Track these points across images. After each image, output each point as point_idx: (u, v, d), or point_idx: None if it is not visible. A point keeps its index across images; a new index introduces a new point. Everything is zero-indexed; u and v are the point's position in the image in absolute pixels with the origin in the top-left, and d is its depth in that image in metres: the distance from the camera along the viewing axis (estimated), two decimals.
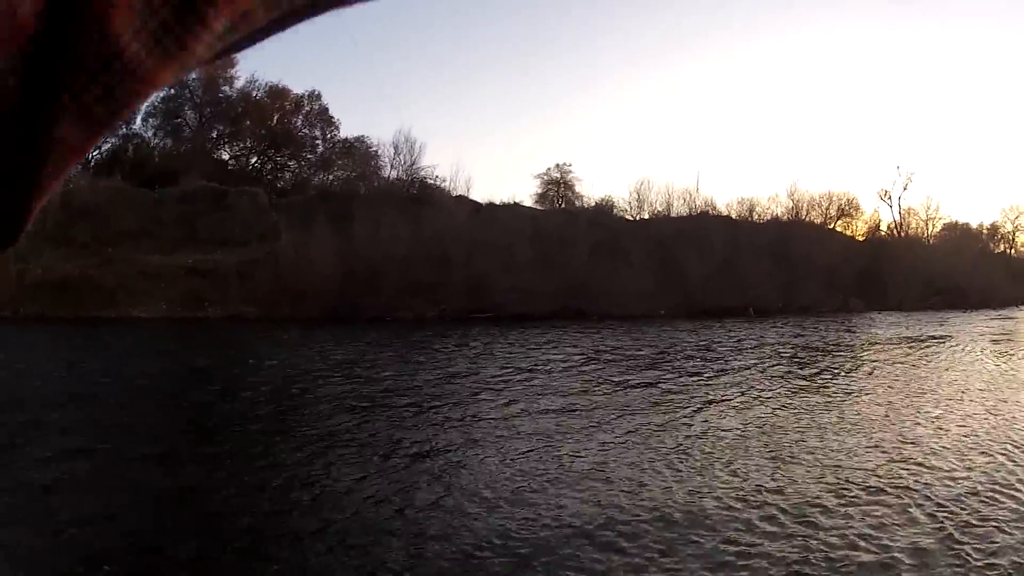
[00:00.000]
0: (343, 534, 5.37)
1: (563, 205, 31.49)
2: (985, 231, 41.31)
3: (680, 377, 13.04)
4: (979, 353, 17.44)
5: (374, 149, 30.79)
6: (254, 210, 33.42)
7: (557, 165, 35.17)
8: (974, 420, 9.54)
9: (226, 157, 35.20)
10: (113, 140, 39.50)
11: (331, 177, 31.30)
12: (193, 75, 31.51)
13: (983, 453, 7.84)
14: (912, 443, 8.35)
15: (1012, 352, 17.85)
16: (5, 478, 6.37)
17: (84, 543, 5.03)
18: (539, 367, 14.14)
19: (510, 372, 13.48)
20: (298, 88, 35.94)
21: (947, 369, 14.82)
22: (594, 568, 4.78)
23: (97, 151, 39.04)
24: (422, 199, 27.93)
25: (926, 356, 17.11)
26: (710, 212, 31.31)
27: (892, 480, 6.88)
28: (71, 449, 7.39)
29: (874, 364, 15.50)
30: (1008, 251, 41.05)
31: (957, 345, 19.29)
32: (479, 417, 9.50)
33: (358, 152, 31.17)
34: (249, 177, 33.69)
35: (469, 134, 62.87)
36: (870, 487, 6.67)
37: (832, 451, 7.99)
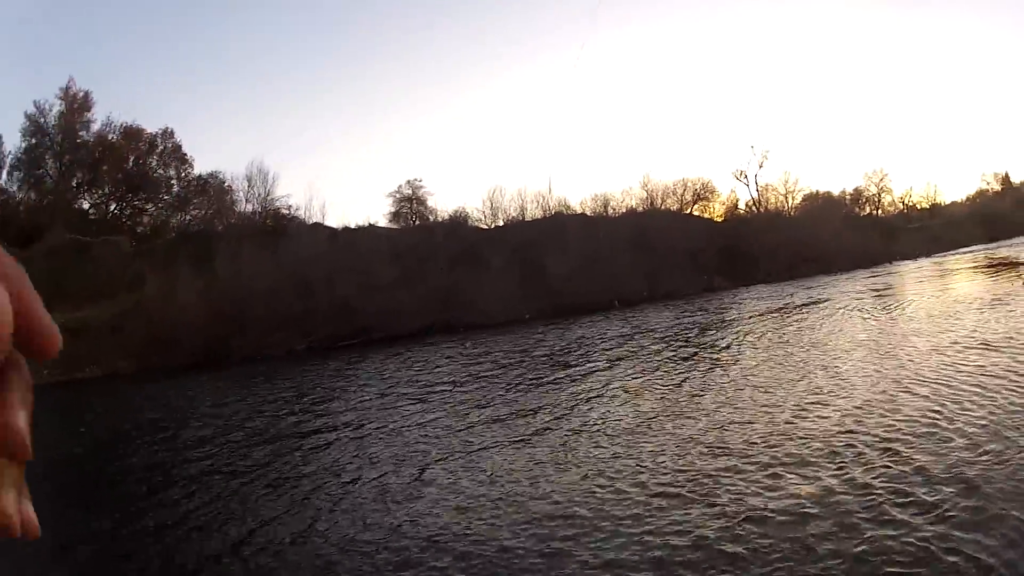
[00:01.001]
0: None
1: (418, 221, 31.80)
2: (848, 196, 43.96)
3: (551, 376, 13.04)
4: (850, 310, 17.92)
5: (228, 184, 30.29)
6: (118, 259, 32.45)
7: (408, 181, 35.53)
8: (855, 371, 9.82)
9: (87, 206, 33.88)
10: None
11: (188, 217, 30.58)
12: (52, 121, 29.79)
13: (870, 401, 7.97)
14: (799, 402, 8.51)
15: (881, 303, 18.64)
16: None
17: None
18: (407, 386, 14.16)
19: (376, 396, 13.54)
20: (152, 127, 35.01)
21: (821, 328, 15.04)
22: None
23: None
24: (279, 230, 27.59)
25: (798, 320, 17.41)
26: (565, 212, 32.24)
27: (784, 437, 7.00)
28: None
29: (747, 335, 15.62)
30: (875, 212, 43.79)
31: (828, 305, 19.90)
32: (346, 446, 9.54)
33: (213, 188, 30.56)
34: (110, 225, 32.57)
35: (320, 159, 63.19)
36: (762, 446, 6.79)
37: (718, 422, 8.00)
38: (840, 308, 18.88)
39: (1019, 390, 7.76)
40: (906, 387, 8.67)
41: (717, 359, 12.88)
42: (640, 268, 28.41)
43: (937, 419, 7.14)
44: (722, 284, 30.55)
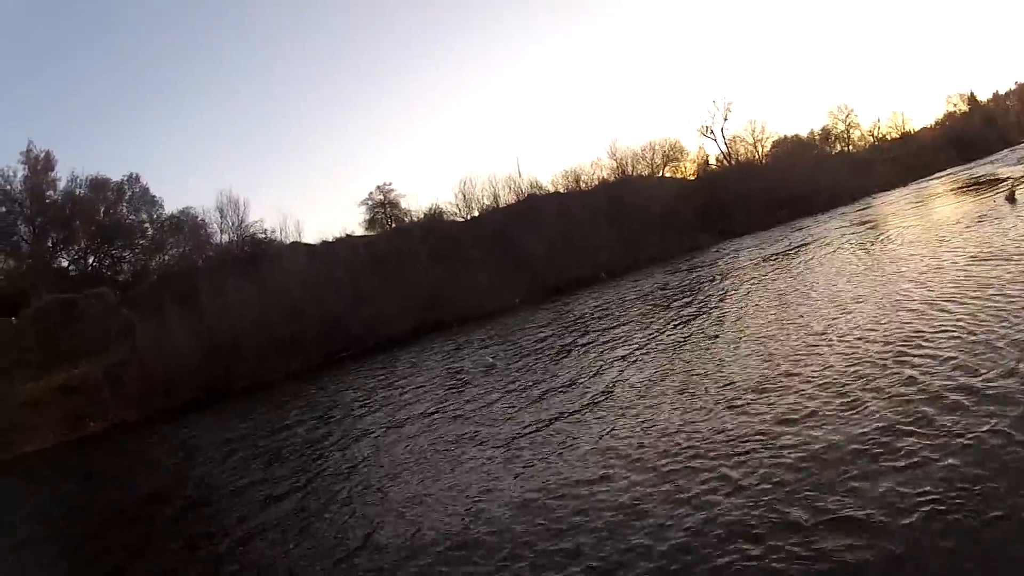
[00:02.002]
0: None
1: (393, 224, 31.79)
2: (818, 136, 44.02)
3: (555, 354, 13.11)
4: (841, 246, 18.08)
5: (200, 218, 30.30)
6: (105, 311, 32.35)
7: (378, 187, 35.64)
8: (856, 303, 9.98)
9: (66, 264, 33.82)
10: None
11: (167, 257, 30.57)
12: (19, 187, 29.54)
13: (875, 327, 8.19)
14: (809, 337, 8.71)
15: (869, 235, 18.85)
16: None
17: None
18: (407, 389, 14.30)
19: (380, 403, 13.65)
20: (116, 175, 34.92)
21: (817, 267, 15.26)
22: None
23: None
24: (258, 255, 27.60)
25: (790, 264, 17.56)
26: (538, 192, 32.29)
27: (798, 374, 7.23)
28: None
29: (742, 286, 15.74)
30: (846, 148, 43.89)
31: (816, 245, 20.04)
32: (362, 456, 9.62)
33: (187, 225, 30.52)
34: (92, 278, 32.56)
35: (289, 179, 63.36)
36: (777, 386, 7.03)
37: (733, 372, 8.19)
38: (829, 245, 19.10)
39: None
40: (912, 307, 8.87)
41: (723, 313, 12.84)
42: (620, 237, 28.52)
43: (950, 333, 7.26)
44: (706, 241, 30.69)
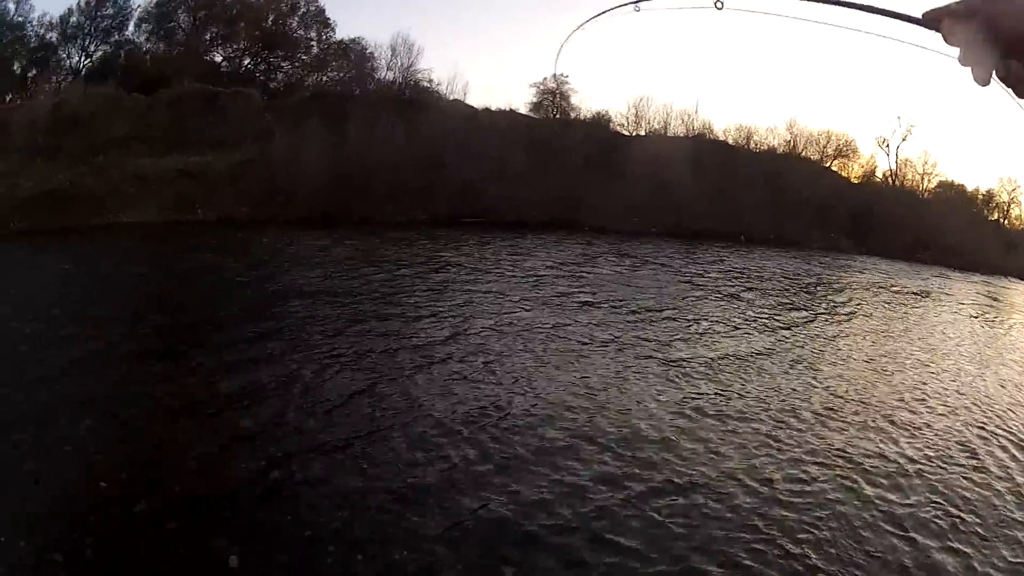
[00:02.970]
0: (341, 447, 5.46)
1: (559, 115, 30.98)
2: (980, 196, 41.37)
3: (675, 300, 13.03)
4: (965, 316, 17.59)
5: (370, 51, 30.05)
6: (247, 112, 32.71)
7: (554, 75, 34.55)
8: (950, 380, 9.71)
9: (219, 59, 34.27)
10: (105, 48, 38.45)
11: (325, 79, 30.55)
12: None
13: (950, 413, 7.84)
14: (888, 393, 8.42)
15: (997, 320, 18.02)
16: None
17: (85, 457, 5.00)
18: (532, 277, 14.05)
19: (504, 280, 13.47)
20: None
21: (933, 325, 14.98)
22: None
23: (88, 59, 37.94)
24: (417, 102, 27.33)
25: (914, 309, 17.35)
26: (708, 135, 31.03)
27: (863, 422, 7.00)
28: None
29: (865, 308, 15.60)
30: (1001, 220, 41.18)
31: (943, 303, 19.53)
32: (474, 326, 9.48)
33: (354, 53, 30.39)
34: (242, 79, 32.85)
35: (467, 39, 61.67)
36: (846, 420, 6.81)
37: (815, 385, 8.11)
38: (956, 310, 18.63)
39: None
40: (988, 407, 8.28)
41: (838, 328, 12.62)
42: (769, 209, 27.28)
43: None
44: (846, 246, 29.22)
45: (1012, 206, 41.52)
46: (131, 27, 38.95)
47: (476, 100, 44.34)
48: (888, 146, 38.06)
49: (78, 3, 36.76)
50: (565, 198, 24.87)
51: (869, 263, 27.96)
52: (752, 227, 26.66)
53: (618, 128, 30.76)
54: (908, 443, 6.63)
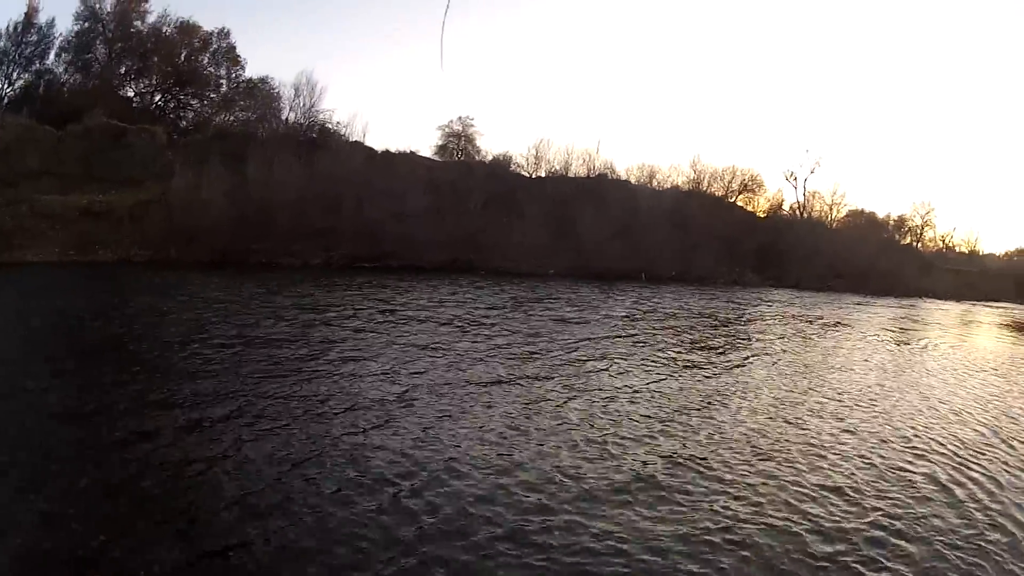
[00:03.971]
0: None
1: (463, 157, 31.01)
2: (892, 222, 42.80)
3: (571, 341, 12.61)
4: (877, 341, 17.32)
5: (276, 91, 29.76)
6: (152, 149, 32.03)
7: (460, 118, 34.89)
8: (861, 410, 9.39)
9: (131, 94, 33.50)
10: (27, 76, 37.45)
11: (231, 118, 30.06)
12: (108, 9, 29.12)
13: (869, 443, 7.64)
14: (796, 425, 8.18)
15: (909, 343, 17.78)
16: None
17: None
18: (427, 321, 13.78)
19: (396, 324, 13.14)
20: (208, 25, 34.53)
21: (844, 353, 14.58)
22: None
23: (10, 87, 36.84)
24: (318, 143, 27.02)
25: (824, 337, 16.99)
26: (609, 175, 31.36)
27: (772, 455, 6.80)
28: None
29: (771, 340, 15.31)
30: (915, 244, 42.61)
31: (855, 330, 19.35)
32: (363, 373, 9.16)
33: (260, 93, 30.03)
34: (152, 115, 32.21)
35: (369, 80, 62.10)
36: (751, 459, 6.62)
37: (720, 423, 7.85)
38: (865, 336, 18.32)
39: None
40: (896, 438, 8.09)
41: (742, 360, 12.35)
42: (674, 246, 27.60)
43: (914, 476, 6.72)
44: (752, 280, 29.68)
45: (926, 228, 43.23)
46: (51, 56, 38.00)
47: (377, 142, 44.57)
48: (796, 179, 39.18)
49: (5, 28, 35.79)
50: (464, 240, 24.76)
51: (777, 295, 28.36)
52: (656, 264, 26.88)
53: (519, 169, 30.99)
54: (834, 471, 6.61)
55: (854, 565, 4.64)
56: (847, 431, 8.13)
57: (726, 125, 73.61)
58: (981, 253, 51.29)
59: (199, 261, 26.02)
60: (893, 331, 20.33)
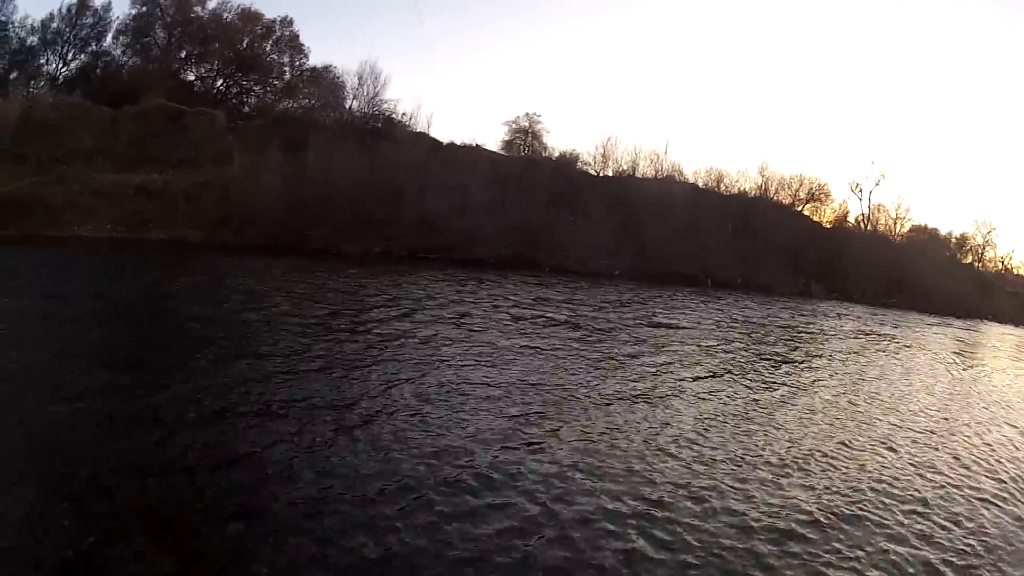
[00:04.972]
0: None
1: (528, 153, 30.44)
2: (954, 240, 41.24)
3: (635, 345, 12.33)
4: (941, 362, 16.94)
5: (339, 79, 29.52)
6: (210, 132, 32.03)
7: (527, 114, 34.37)
8: (925, 430, 9.15)
9: (192, 78, 33.61)
10: (82, 57, 37.93)
11: (294, 104, 29.92)
12: None
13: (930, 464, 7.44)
14: (861, 446, 7.90)
15: (974, 366, 17.36)
16: None
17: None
18: (486, 319, 13.28)
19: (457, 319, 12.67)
20: (270, 13, 34.59)
21: (910, 373, 14.25)
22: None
23: (65, 67, 37.36)
24: (381, 132, 26.66)
25: (890, 356, 16.62)
26: (677, 177, 30.57)
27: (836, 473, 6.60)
28: None
29: (839, 357, 14.97)
30: (976, 263, 41.00)
31: (919, 349, 18.83)
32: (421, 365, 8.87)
33: (324, 81, 29.83)
34: (213, 99, 32.22)
35: (437, 72, 61.79)
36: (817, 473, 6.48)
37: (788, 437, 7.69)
38: (929, 356, 17.83)
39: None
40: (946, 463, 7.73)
41: (806, 377, 11.95)
42: (739, 252, 26.66)
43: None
44: (818, 291, 28.60)
45: (987, 248, 41.56)
46: (109, 38, 38.46)
47: (441, 133, 44.33)
48: (861, 191, 38.06)
49: (59, 9, 36.33)
50: (526, 236, 24.12)
51: (840, 308, 27.32)
52: (720, 270, 25.98)
53: (585, 167, 30.39)
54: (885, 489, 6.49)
55: None
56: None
57: (794, 131, 72.60)
58: None
59: (253, 244, 25.76)
60: (967, 355, 19.64)
